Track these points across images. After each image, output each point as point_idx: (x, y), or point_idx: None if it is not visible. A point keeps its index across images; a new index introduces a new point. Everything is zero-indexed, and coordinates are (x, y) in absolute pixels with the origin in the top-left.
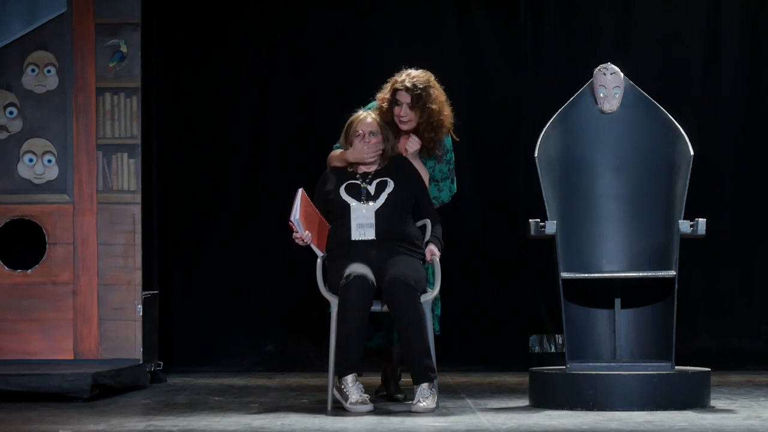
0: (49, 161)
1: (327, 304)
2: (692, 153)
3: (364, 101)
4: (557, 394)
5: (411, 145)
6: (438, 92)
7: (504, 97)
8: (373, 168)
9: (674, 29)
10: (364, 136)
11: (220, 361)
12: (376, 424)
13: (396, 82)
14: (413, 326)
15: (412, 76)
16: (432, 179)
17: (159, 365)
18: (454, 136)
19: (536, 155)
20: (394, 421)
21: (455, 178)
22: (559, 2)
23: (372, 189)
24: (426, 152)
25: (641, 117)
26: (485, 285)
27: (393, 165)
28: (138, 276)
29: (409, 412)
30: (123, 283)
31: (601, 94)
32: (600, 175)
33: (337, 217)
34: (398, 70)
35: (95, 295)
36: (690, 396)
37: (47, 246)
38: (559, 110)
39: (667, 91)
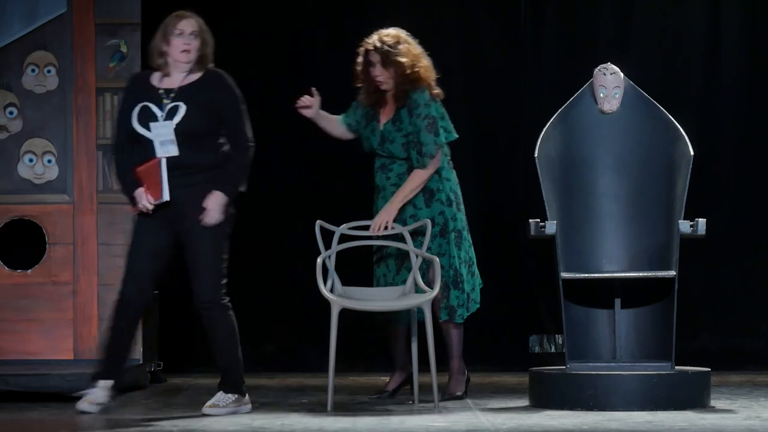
0: (49, 161)
1: (327, 304)
2: (692, 153)
3: None
4: (557, 394)
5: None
6: (410, 46)
7: (504, 97)
8: (177, 81)
9: (674, 29)
10: (183, 34)
11: None
12: (376, 424)
13: (366, 44)
14: (228, 341)
15: (381, 35)
16: (411, 142)
17: (159, 365)
18: (438, 91)
19: (536, 155)
20: (394, 421)
21: (445, 128)
22: (559, 2)
23: (163, 115)
24: (396, 101)
25: (641, 117)
26: (485, 285)
27: (202, 83)
28: None
29: (410, 412)
30: None
31: (601, 94)
32: (600, 175)
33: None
34: None
35: (95, 295)
36: (690, 396)
37: (47, 246)
38: (559, 110)
39: (667, 91)
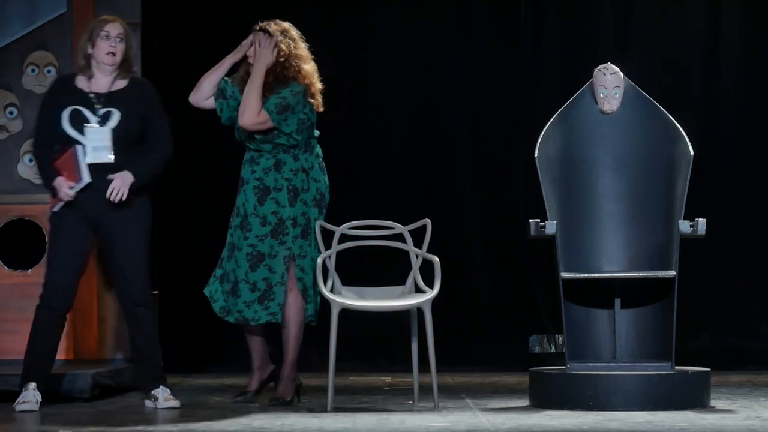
0: None
1: (327, 304)
2: (692, 153)
3: (365, 101)
4: (557, 394)
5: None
6: (294, 44)
7: (505, 97)
8: (105, 85)
9: (674, 29)
10: (109, 37)
11: (220, 361)
12: (376, 424)
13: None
14: (151, 339)
15: (275, 21)
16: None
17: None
18: (315, 101)
19: (536, 155)
20: (394, 420)
21: (287, 122)
22: (559, 2)
23: (98, 120)
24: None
25: (641, 117)
26: (485, 285)
27: (131, 90)
28: None
29: (410, 412)
30: None
31: (601, 94)
32: (600, 175)
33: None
34: (399, 70)
35: (95, 296)
36: (690, 396)
37: (47, 246)
38: (559, 110)
39: (667, 91)
